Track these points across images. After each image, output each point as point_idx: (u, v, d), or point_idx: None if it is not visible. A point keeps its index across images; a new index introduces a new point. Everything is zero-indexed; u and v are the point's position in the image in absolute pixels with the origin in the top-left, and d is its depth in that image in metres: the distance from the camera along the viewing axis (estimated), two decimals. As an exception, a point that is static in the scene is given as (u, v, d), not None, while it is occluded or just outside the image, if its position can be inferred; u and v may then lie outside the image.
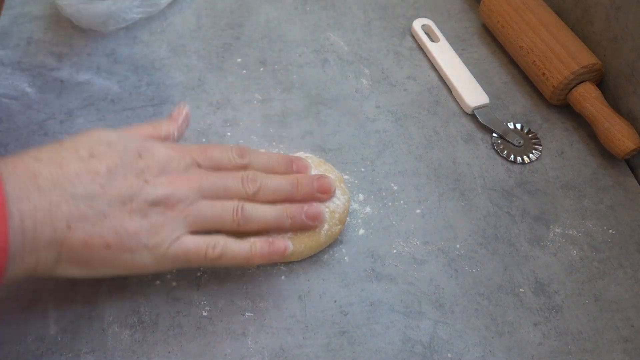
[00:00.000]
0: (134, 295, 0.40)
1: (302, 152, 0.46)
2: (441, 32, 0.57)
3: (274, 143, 0.49)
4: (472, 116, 0.52)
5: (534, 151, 0.50)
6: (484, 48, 0.58)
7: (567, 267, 0.43)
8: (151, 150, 0.37)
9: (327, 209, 0.42)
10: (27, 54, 0.54)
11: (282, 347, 0.39)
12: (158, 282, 0.41)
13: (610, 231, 0.45)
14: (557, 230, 0.45)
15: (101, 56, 0.54)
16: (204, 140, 0.49)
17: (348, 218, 0.44)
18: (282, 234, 0.41)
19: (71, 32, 0.56)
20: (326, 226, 0.41)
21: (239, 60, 0.55)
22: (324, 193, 0.41)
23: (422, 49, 0.57)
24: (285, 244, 0.39)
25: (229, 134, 0.49)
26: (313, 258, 0.42)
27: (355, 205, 0.46)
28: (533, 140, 0.50)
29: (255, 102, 0.52)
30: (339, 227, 0.42)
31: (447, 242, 0.44)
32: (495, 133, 0.50)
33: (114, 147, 0.36)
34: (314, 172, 0.43)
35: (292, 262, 0.42)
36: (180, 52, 0.55)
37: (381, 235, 0.44)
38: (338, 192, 0.43)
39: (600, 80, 0.51)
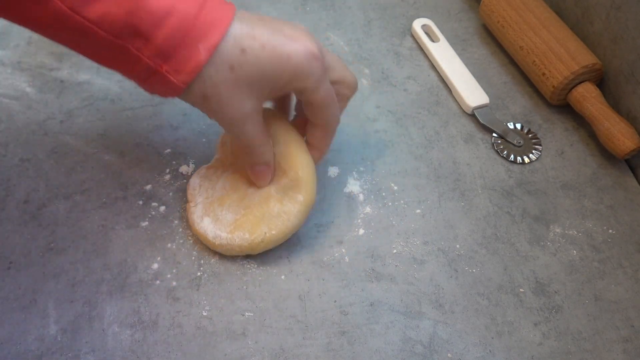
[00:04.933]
0: (134, 295, 0.40)
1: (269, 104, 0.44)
2: (441, 32, 0.57)
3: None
4: (472, 116, 0.52)
5: (534, 151, 0.50)
6: (484, 48, 0.58)
7: (567, 267, 0.43)
8: None
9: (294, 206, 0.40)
10: (27, 54, 0.54)
11: (282, 347, 0.39)
12: (158, 282, 0.41)
13: (610, 231, 0.45)
14: (557, 230, 0.45)
15: (101, 56, 0.54)
16: (204, 140, 0.49)
17: (350, 218, 0.44)
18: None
19: (71, 32, 0.56)
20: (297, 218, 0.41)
21: (239, 60, 0.55)
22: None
23: (422, 49, 0.57)
24: None
25: (229, 134, 0.49)
26: (313, 258, 0.42)
27: (355, 205, 0.46)
28: (533, 140, 0.50)
29: (255, 102, 0.52)
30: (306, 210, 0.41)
31: (447, 242, 0.44)
32: (495, 133, 0.50)
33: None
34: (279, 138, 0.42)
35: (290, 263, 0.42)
36: (180, 52, 0.55)
37: (381, 235, 0.44)
38: (299, 188, 0.41)
39: (600, 80, 0.51)
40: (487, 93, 0.52)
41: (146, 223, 0.43)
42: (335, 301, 0.41)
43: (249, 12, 0.37)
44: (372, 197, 0.46)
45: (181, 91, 0.35)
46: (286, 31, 0.36)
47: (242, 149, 0.40)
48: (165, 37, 0.33)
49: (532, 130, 0.51)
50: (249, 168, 0.41)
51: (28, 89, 0.51)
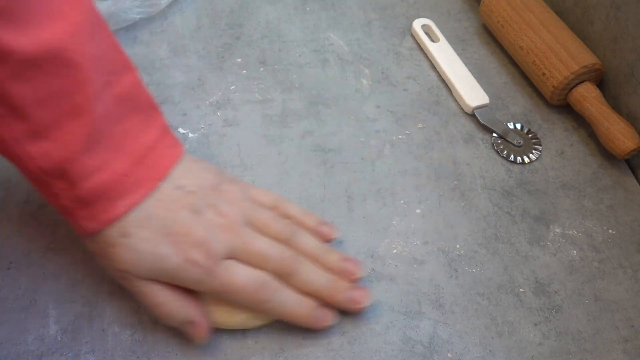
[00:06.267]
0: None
1: None
2: (441, 32, 0.57)
3: (273, 143, 0.49)
4: (472, 116, 0.52)
5: (534, 151, 0.50)
6: (484, 48, 0.58)
7: (567, 267, 0.43)
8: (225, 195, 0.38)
9: None
10: (27, 54, 0.54)
11: (282, 347, 0.39)
12: (158, 282, 0.41)
13: (610, 231, 0.45)
14: (557, 230, 0.45)
15: (101, 56, 0.54)
16: (204, 140, 0.49)
17: (350, 218, 0.44)
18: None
19: (71, 32, 0.56)
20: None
21: (239, 60, 0.55)
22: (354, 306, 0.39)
23: (422, 49, 0.57)
24: (331, 317, 0.38)
25: (229, 134, 0.49)
26: (313, 258, 0.42)
27: (355, 205, 0.46)
28: (533, 140, 0.50)
29: (255, 102, 0.52)
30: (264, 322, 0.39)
31: (447, 242, 0.44)
32: (495, 133, 0.50)
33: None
34: None
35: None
36: (180, 52, 0.55)
37: (381, 235, 0.44)
38: None
39: (600, 80, 0.51)
40: (487, 93, 0.52)
41: (146, 223, 0.43)
42: (335, 301, 0.41)
43: (190, 162, 0.38)
44: (372, 197, 0.46)
45: (86, 235, 0.35)
46: (179, 229, 0.35)
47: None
48: (89, 189, 0.33)
49: (532, 130, 0.51)
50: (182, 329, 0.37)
51: (28, 89, 0.51)
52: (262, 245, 0.37)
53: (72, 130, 0.32)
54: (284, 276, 0.37)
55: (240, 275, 0.36)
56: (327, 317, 0.38)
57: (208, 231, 0.35)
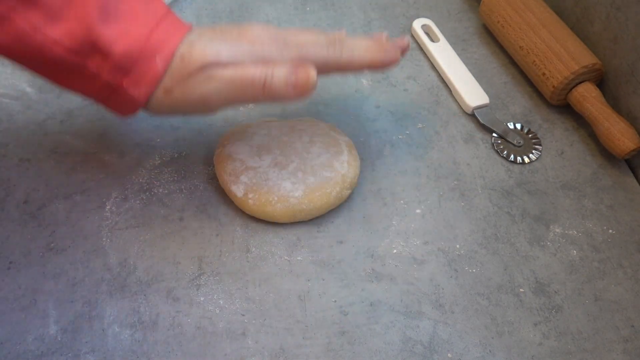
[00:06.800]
0: (134, 295, 0.40)
1: (307, 117, 0.49)
2: (441, 32, 0.57)
3: (274, 143, 0.49)
4: (472, 116, 0.52)
5: (534, 151, 0.50)
6: (484, 48, 0.58)
7: (567, 267, 0.43)
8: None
9: (339, 173, 0.43)
10: (27, 54, 0.54)
11: (282, 347, 0.39)
12: (158, 282, 0.41)
13: (610, 231, 0.45)
14: (557, 230, 0.45)
15: (101, 56, 0.54)
16: (204, 140, 0.49)
17: (350, 218, 0.44)
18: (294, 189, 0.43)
19: (71, 32, 0.56)
20: (337, 188, 0.43)
21: (239, 60, 0.55)
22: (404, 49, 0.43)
23: (422, 49, 0.57)
24: (397, 50, 0.41)
25: (229, 134, 0.49)
26: (313, 257, 0.42)
27: (355, 205, 0.46)
28: (533, 140, 0.50)
29: (255, 102, 0.52)
30: (349, 191, 0.44)
31: (447, 242, 0.44)
32: (495, 133, 0.50)
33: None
34: (321, 138, 0.46)
35: (296, 245, 0.42)
36: (180, 52, 0.55)
37: (381, 235, 0.44)
38: (349, 158, 0.45)
39: (600, 80, 0.51)
40: (487, 93, 0.52)
41: (146, 223, 0.44)
42: (335, 301, 0.41)
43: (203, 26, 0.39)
44: (372, 197, 0.46)
45: (144, 103, 0.37)
46: (241, 32, 0.38)
47: (251, 94, 0.38)
48: (122, 53, 0.34)
49: (532, 130, 0.51)
50: (288, 90, 0.38)
51: (28, 89, 0.51)
52: (308, 33, 0.40)
53: (83, 4, 0.33)
54: (339, 43, 0.40)
55: (310, 37, 0.39)
56: (395, 51, 0.41)
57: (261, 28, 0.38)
